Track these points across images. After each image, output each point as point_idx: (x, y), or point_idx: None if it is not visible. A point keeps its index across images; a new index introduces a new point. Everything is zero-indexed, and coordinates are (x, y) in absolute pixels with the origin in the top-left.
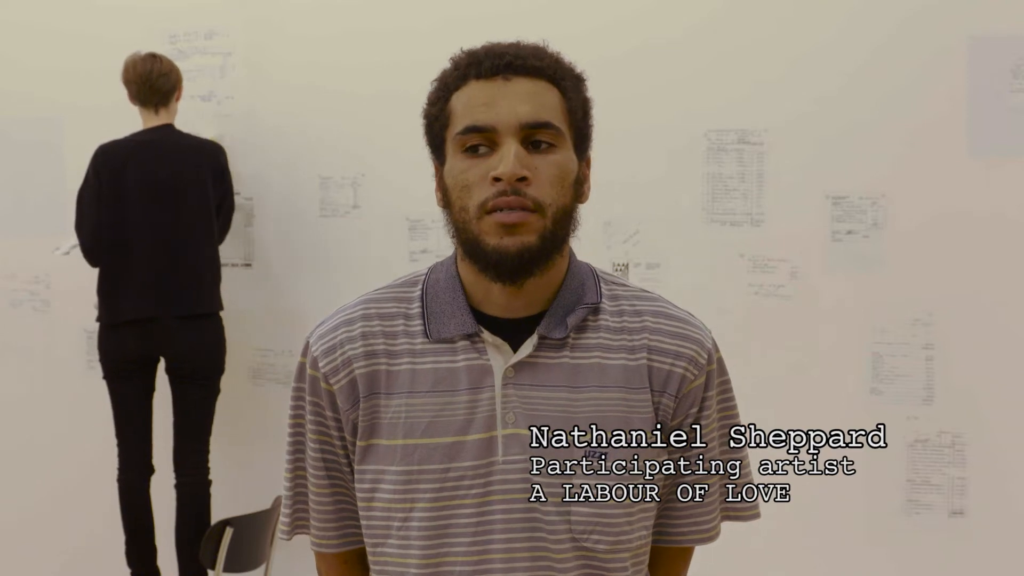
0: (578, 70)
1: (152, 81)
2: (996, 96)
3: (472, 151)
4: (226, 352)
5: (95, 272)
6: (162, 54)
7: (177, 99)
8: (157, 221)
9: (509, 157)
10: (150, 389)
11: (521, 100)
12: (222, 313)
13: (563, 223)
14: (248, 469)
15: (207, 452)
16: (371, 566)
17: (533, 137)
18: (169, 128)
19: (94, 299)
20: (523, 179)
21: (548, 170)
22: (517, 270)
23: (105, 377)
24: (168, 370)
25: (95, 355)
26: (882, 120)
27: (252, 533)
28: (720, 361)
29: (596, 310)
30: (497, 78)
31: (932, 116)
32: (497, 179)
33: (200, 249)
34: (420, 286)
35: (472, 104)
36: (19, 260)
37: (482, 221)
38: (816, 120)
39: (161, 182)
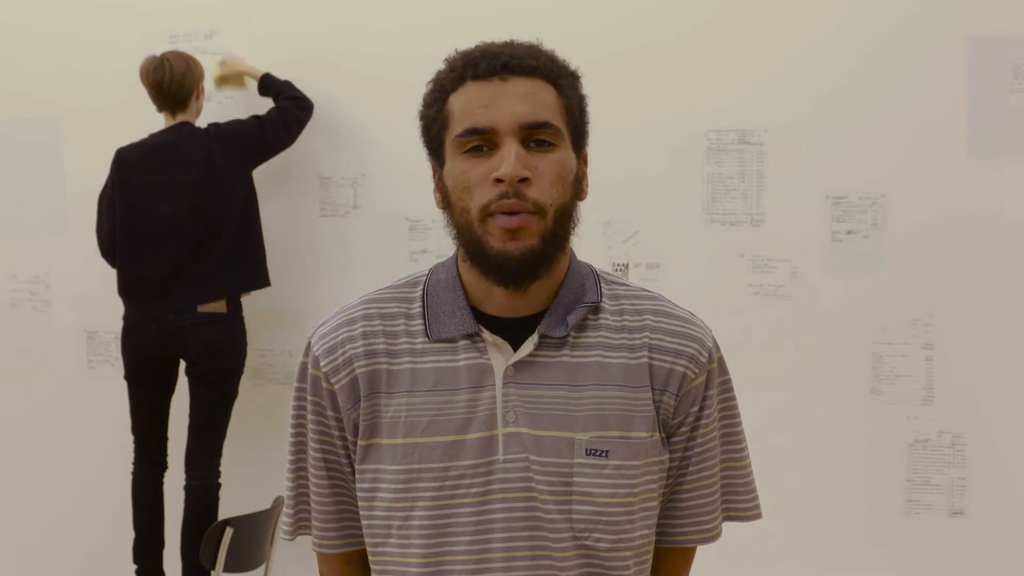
0: (572, 68)
1: (164, 91)
2: (996, 96)
3: (474, 151)
4: (245, 355)
5: (95, 273)
6: (176, 53)
7: (197, 97)
8: (170, 221)
9: (510, 158)
10: (168, 390)
11: (519, 100)
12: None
13: (564, 222)
14: (248, 469)
15: (219, 455)
16: (371, 566)
17: (533, 137)
18: (184, 126)
19: (94, 299)
20: (524, 180)
21: (549, 169)
22: (521, 275)
23: (124, 376)
24: (187, 371)
25: (95, 355)
26: (882, 120)
27: (252, 533)
28: (721, 360)
29: (596, 309)
30: (494, 79)
31: (932, 116)
32: (499, 180)
33: (220, 243)
34: (421, 286)
35: (470, 106)
36: (19, 260)
37: (485, 224)
38: (816, 120)
39: (172, 181)
